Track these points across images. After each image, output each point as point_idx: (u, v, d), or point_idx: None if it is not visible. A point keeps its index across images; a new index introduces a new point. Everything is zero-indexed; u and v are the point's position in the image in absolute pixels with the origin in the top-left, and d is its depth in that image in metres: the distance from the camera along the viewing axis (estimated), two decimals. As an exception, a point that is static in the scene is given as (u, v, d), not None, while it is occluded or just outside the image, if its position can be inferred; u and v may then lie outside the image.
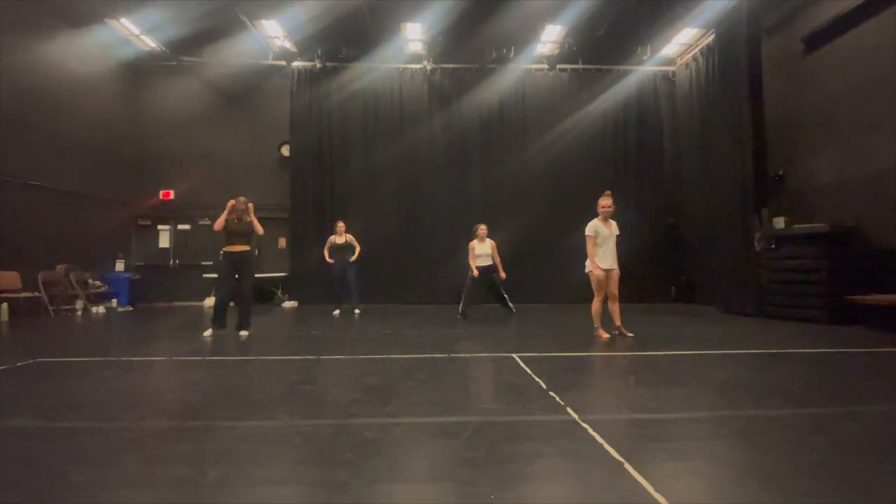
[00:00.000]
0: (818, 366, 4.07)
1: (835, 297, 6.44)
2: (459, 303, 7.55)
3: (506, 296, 7.69)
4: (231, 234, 5.56)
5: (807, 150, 7.96)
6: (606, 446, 2.12)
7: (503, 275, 7.47)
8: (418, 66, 10.81)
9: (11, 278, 7.62)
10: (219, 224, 5.52)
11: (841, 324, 6.28)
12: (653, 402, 2.89)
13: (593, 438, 2.23)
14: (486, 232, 7.51)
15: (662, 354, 4.48)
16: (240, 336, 5.46)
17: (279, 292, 10.66)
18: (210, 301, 10.19)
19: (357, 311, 8.37)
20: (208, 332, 5.46)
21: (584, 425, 2.41)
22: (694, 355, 4.49)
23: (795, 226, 7.23)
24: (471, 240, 7.57)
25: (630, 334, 5.31)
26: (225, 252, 5.62)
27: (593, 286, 5.36)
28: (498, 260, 7.46)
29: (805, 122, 7.98)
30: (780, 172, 8.35)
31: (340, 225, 8.44)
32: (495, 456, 2.05)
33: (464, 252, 7.62)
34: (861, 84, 6.90)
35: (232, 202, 5.61)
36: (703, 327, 6.60)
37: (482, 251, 7.39)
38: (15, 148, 7.83)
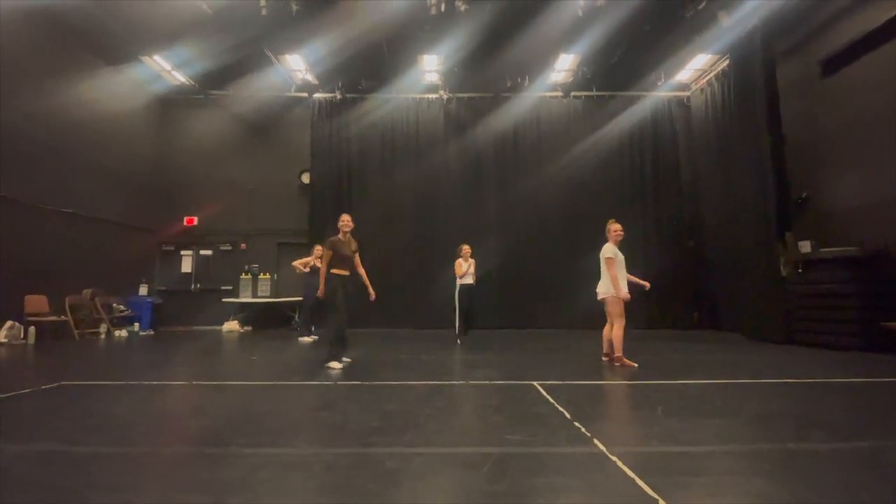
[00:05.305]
0: (858, 396, 3.86)
1: (867, 323, 6.20)
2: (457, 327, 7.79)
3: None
4: (345, 257, 5.45)
5: (831, 173, 7.81)
6: (638, 481, 2.02)
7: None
8: (434, 95, 11.09)
9: (39, 302, 7.85)
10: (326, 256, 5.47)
11: (875, 351, 6.00)
12: (685, 433, 2.77)
13: (623, 472, 2.13)
14: (469, 252, 7.83)
15: (691, 383, 4.31)
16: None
17: (296, 317, 10.70)
18: (233, 325, 10.31)
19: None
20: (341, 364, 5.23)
21: (613, 458, 2.31)
22: (724, 384, 4.31)
23: (822, 249, 7.03)
24: (455, 258, 7.81)
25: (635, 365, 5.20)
26: (343, 276, 5.42)
27: (617, 312, 5.27)
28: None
29: (827, 145, 7.86)
30: (804, 195, 8.18)
31: (318, 248, 8.32)
32: (519, 489, 1.97)
33: (481, 279, 7.81)
34: (882, 105, 6.81)
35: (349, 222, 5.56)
36: (730, 354, 6.36)
37: (470, 270, 7.71)
38: (51, 177, 8.21)
